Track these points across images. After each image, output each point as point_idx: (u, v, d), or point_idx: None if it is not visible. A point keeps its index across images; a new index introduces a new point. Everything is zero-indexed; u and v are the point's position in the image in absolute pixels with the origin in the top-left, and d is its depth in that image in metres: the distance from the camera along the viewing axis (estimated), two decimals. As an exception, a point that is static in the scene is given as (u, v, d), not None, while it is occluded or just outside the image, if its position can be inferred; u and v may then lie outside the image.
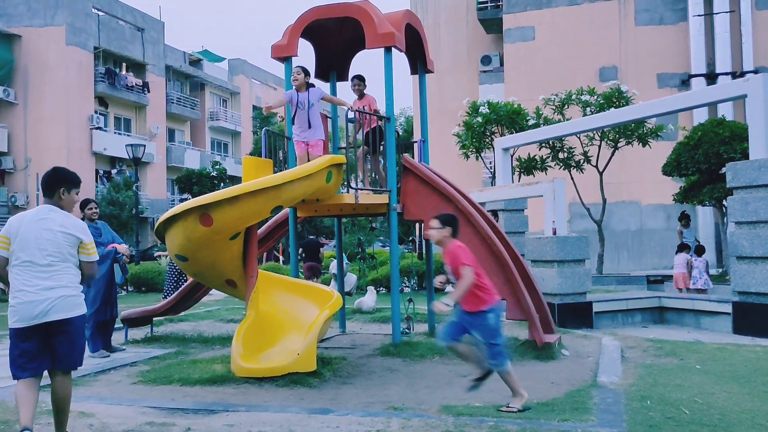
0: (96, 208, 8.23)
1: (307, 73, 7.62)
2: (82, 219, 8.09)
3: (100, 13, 33.67)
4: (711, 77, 21.61)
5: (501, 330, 5.24)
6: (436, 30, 26.88)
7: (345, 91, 13.41)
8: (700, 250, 12.97)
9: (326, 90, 8.63)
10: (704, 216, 21.01)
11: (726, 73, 21.39)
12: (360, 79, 8.53)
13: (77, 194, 4.60)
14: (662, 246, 21.61)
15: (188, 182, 32.31)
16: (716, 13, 21.78)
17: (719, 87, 13.62)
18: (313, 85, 7.73)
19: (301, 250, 14.86)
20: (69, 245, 4.38)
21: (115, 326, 8.67)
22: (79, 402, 5.61)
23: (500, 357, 5.18)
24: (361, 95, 8.52)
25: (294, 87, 7.65)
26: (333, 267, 15.13)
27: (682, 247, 13.14)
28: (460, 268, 5.08)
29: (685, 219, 14.42)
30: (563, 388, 5.99)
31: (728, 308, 9.53)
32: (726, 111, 19.73)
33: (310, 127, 7.57)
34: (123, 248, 8.21)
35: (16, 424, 4.46)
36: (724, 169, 10.52)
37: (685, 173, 13.99)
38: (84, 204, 8.16)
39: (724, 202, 12.82)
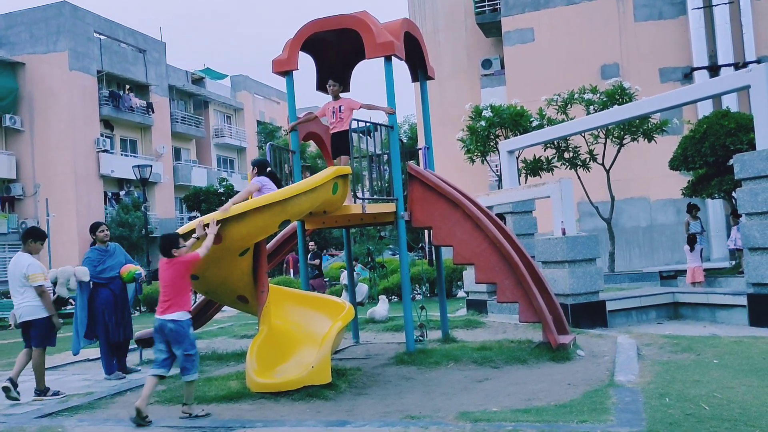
0: (107, 230, 8.29)
1: (263, 167, 7.12)
2: (94, 242, 8.17)
3: (102, 37, 33.95)
4: (713, 69, 21.51)
5: None
6: (435, 36, 26.93)
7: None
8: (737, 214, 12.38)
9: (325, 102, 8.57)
10: (714, 209, 20.88)
11: (728, 65, 21.29)
12: (335, 80, 8.18)
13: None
14: (674, 241, 21.48)
15: (196, 200, 32.42)
16: (715, 5, 21.71)
17: (722, 79, 13.56)
18: (269, 169, 7.28)
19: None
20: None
21: (130, 347, 8.70)
22: (98, 425, 5.64)
23: None
24: (336, 96, 8.16)
25: None
26: (344, 278, 15.13)
27: (692, 240, 13.03)
28: None
29: (693, 210, 14.32)
30: (580, 388, 5.95)
31: (743, 300, 9.46)
32: (730, 102, 19.63)
33: None
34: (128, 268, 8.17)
35: None
36: (731, 161, 10.47)
37: (693, 167, 13.90)
38: (95, 227, 8.22)
39: (734, 194, 12.74)
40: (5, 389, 6.89)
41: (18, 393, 6.91)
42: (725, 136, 12.82)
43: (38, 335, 7.08)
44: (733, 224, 12.85)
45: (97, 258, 8.00)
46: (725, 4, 21.57)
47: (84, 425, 5.65)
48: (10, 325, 18.65)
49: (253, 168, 7.20)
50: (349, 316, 6.94)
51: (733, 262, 14.36)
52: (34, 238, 7.22)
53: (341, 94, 8.27)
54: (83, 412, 6.26)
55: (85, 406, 6.49)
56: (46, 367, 8.77)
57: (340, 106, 7.95)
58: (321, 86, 9.29)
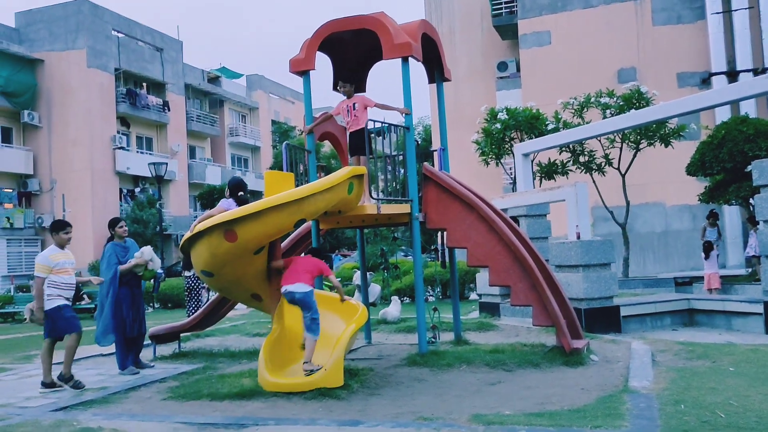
0: (125, 226, 8.47)
1: (235, 189, 7.29)
2: (111, 237, 8.30)
3: (120, 35, 34.21)
4: (732, 75, 21.33)
5: None
6: (451, 38, 26.90)
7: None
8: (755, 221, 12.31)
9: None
10: (731, 215, 20.68)
11: (747, 70, 21.10)
12: (345, 81, 8.07)
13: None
14: (689, 247, 21.30)
15: (210, 198, 32.58)
16: (735, 10, 21.52)
17: (741, 84, 13.44)
18: (240, 193, 7.36)
19: None
20: None
21: (144, 343, 8.76)
22: (112, 419, 5.68)
23: None
24: (349, 95, 8.02)
25: None
26: (357, 278, 15.13)
27: (709, 248, 12.92)
28: None
29: (713, 217, 14.21)
30: (594, 394, 5.92)
31: (760, 308, 9.37)
32: (749, 108, 19.45)
33: None
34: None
35: None
36: (749, 167, 10.36)
37: (710, 173, 13.79)
38: (114, 222, 8.37)
39: (751, 201, 12.61)
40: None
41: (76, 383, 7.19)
42: (743, 142, 12.71)
43: (45, 325, 7.23)
44: (753, 231, 12.72)
45: (122, 253, 8.16)
46: (745, 9, 21.38)
47: (98, 419, 5.68)
48: (26, 318, 18.88)
49: (227, 187, 7.34)
50: (363, 319, 6.93)
51: (750, 270, 14.22)
52: (56, 230, 7.43)
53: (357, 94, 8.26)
54: (97, 406, 6.31)
55: (99, 400, 6.54)
56: (55, 361, 8.91)
57: (354, 104, 7.93)
58: (337, 86, 9.29)
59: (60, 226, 7.46)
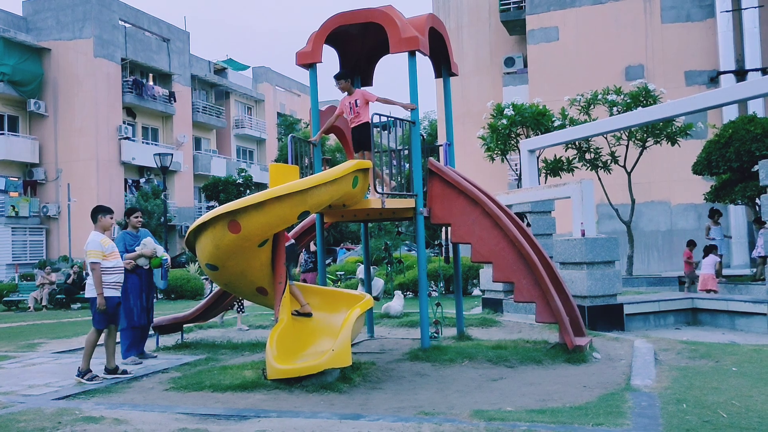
0: (141, 217, 8.55)
1: None
2: (125, 226, 8.38)
3: (127, 25, 34.19)
4: (740, 74, 21.22)
5: None
6: (458, 33, 26.82)
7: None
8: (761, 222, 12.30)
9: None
10: (736, 215, 20.61)
11: (755, 69, 20.99)
12: (339, 78, 7.99)
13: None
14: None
15: (215, 190, 32.63)
16: (744, 9, 21.39)
17: (749, 83, 13.36)
18: None
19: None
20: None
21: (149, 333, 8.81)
22: (114, 409, 5.70)
23: None
24: (348, 91, 8.00)
25: None
26: (360, 272, 15.13)
27: (710, 249, 12.88)
28: None
29: (716, 215, 14.16)
30: (596, 391, 5.91)
31: (764, 309, 9.34)
32: (757, 107, 19.35)
33: None
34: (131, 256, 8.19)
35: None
36: (756, 167, 10.32)
37: (716, 172, 13.74)
38: (131, 212, 8.52)
39: (758, 201, 12.56)
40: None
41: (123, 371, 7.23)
42: (751, 142, 12.66)
43: (93, 314, 7.15)
44: (761, 232, 12.66)
45: (131, 242, 8.21)
46: (755, 8, 21.25)
47: (100, 409, 5.70)
48: (30, 307, 18.95)
49: None
50: (368, 304, 6.96)
51: (755, 270, 14.17)
52: (103, 213, 7.25)
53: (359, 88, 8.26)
54: (100, 395, 6.34)
55: (102, 389, 6.57)
56: (64, 348, 8.95)
57: (356, 100, 7.91)
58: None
59: (106, 210, 7.31)
